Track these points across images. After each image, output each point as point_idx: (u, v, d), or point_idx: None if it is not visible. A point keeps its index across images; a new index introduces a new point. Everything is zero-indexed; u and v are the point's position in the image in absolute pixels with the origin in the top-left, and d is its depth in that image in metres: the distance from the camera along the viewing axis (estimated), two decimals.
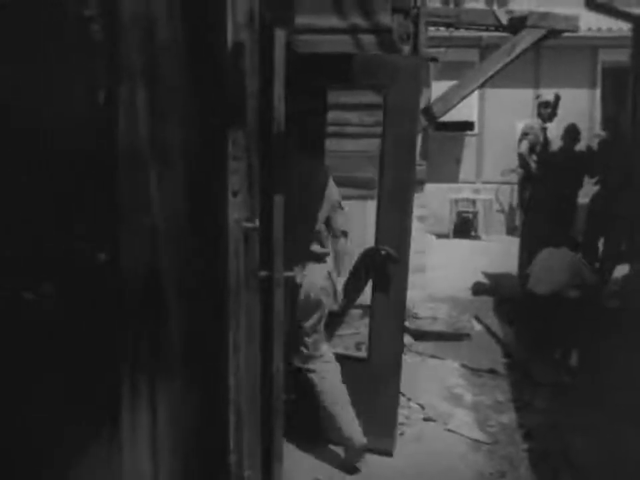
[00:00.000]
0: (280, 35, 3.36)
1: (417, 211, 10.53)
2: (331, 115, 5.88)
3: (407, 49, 5.52)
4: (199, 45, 2.17)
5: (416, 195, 10.21)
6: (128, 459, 1.90)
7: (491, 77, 6.81)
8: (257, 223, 2.62)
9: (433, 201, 14.07)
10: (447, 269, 10.63)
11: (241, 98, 2.36)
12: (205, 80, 2.22)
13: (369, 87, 4.79)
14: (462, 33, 9.49)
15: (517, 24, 6.53)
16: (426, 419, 5.35)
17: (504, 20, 6.71)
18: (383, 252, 4.57)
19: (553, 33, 6.66)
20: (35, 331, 1.35)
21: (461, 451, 4.85)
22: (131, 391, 1.84)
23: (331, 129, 5.97)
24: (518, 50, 6.43)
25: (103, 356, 1.71)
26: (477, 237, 14.18)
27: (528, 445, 4.92)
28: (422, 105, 7.42)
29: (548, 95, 9.72)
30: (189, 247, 2.16)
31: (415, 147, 4.60)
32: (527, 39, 6.43)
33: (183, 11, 2.05)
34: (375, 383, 4.66)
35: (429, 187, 14.66)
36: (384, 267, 4.60)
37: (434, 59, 10.79)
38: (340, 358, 4.73)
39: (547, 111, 9.41)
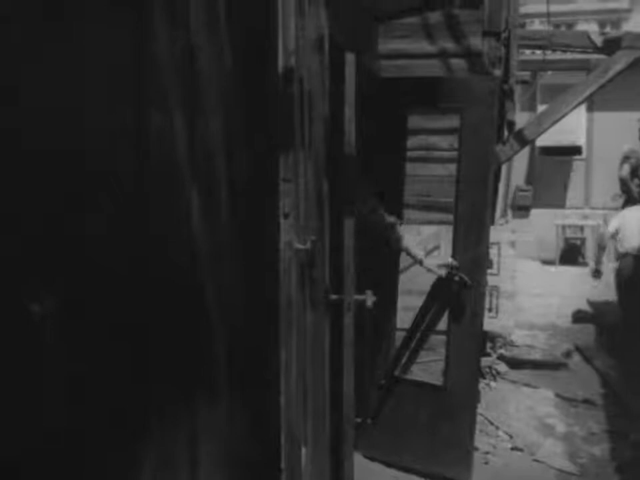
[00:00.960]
0: (350, 59, 3.40)
1: (508, 236, 10.35)
2: (419, 139, 5.86)
3: (498, 72, 5.44)
4: (247, 68, 2.23)
5: (511, 221, 9.96)
6: None
7: (585, 99, 6.65)
8: (309, 245, 2.64)
9: (538, 227, 13.78)
10: (549, 297, 10.40)
11: (291, 122, 2.41)
12: (253, 105, 2.27)
13: (446, 109, 4.76)
14: (569, 55, 9.30)
15: (612, 45, 6.36)
16: (513, 449, 5.25)
17: (598, 42, 6.55)
18: (457, 278, 4.50)
19: None
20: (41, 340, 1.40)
21: None
22: (163, 406, 1.88)
23: (419, 153, 5.95)
24: (612, 72, 6.24)
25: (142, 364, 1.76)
26: (584, 264, 13.76)
27: (618, 478, 4.75)
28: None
29: None
30: (235, 266, 2.20)
31: (490, 170, 4.51)
32: (622, 60, 6.26)
33: (229, 34, 2.11)
34: (451, 411, 4.59)
35: (535, 212, 14.41)
36: (459, 294, 4.53)
37: (525, 82, 10.60)
38: (416, 385, 4.68)
39: None
